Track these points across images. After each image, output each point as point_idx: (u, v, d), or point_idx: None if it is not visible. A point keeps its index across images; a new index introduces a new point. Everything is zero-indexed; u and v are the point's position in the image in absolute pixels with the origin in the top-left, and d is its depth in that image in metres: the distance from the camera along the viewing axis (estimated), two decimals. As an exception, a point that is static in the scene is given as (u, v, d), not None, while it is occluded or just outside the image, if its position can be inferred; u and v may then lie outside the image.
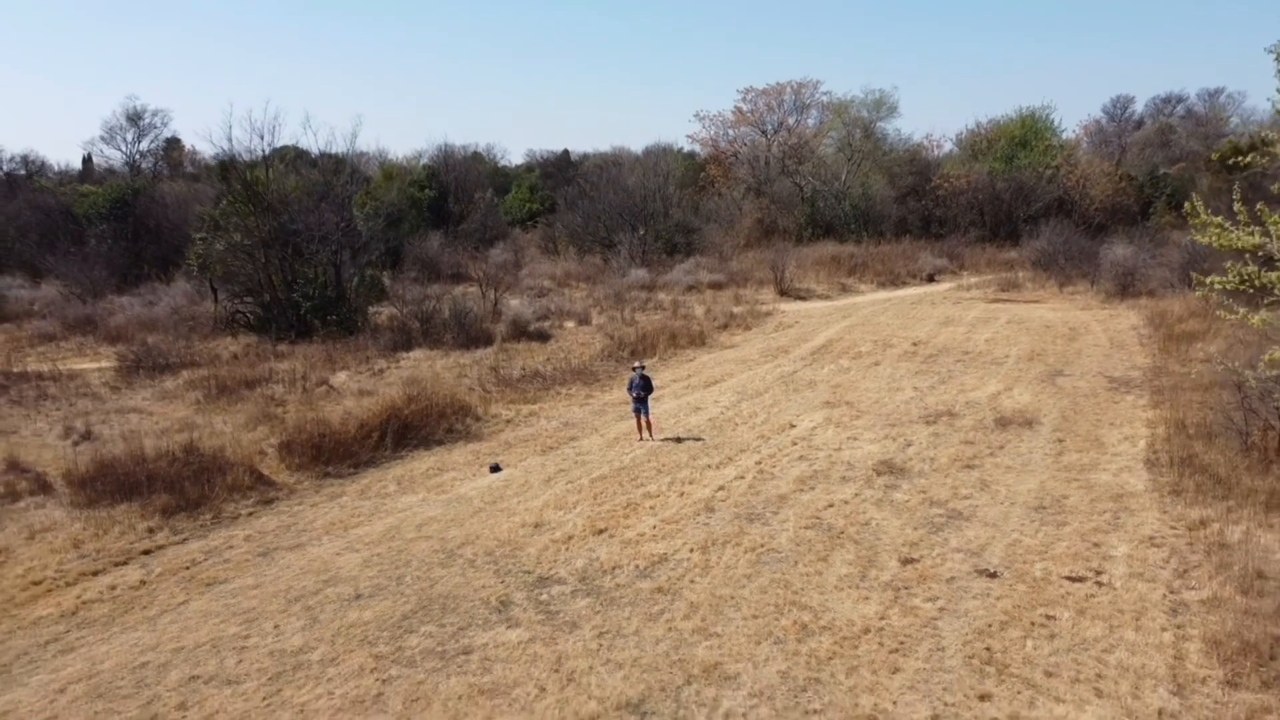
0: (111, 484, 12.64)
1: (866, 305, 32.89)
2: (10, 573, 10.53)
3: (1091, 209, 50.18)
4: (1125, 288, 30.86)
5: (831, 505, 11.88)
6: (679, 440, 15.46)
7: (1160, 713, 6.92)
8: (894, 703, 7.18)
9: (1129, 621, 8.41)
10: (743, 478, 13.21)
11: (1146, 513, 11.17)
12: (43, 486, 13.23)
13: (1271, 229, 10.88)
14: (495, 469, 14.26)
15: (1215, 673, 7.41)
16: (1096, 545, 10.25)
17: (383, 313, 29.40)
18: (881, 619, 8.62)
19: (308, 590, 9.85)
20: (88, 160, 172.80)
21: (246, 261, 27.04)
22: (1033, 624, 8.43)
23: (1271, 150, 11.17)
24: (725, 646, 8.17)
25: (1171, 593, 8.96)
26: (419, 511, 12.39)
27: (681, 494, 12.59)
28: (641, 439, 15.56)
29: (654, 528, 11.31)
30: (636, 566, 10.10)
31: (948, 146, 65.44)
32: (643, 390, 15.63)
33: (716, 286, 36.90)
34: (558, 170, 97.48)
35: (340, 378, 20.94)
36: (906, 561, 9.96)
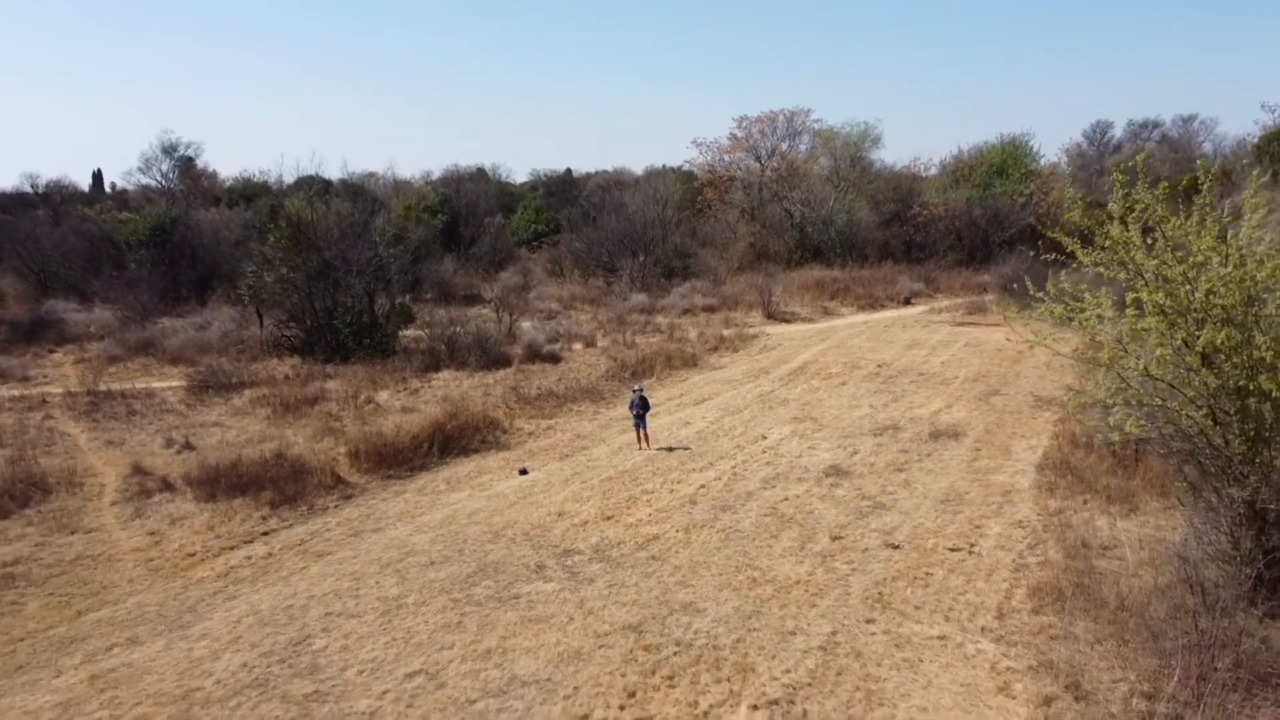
0: (225, 483, 16.17)
1: (845, 328, 36.44)
2: (167, 549, 14.06)
3: (1063, 234, 53.73)
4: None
5: (786, 499, 15.40)
6: (670, 449, 18.98)
7: (982, 629, 10.43)
8: (808, 624, 10.69)
9: (983, 576, 11.93)
10: (720, 479, 16.74)
11: (1023, 504, 14.70)
12: (167, 485, 16.75)
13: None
14: (523, 472, 17.78)
15: (1027, 605, 10.93)
16: (978, 527, 13.77)
17: (409, 335, 32.95)
18: (810, 575, 12.13)
19: (393, 559, 13.37)
20: (98, 176, 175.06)
21: (293, 292, 30.59)
22: (915, 578, 11.94)
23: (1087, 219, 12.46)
24: (697, 592, 11.69)
25: (1019, 558, 12.48)
26: (467, 504, 15.91)
27: (671, 491, 16.12)
28: (640, 448, 19.08)
29: (649, 515, 14.83)
30: (636, 542, 13.62)
31: (934, 170, 69.37)
32: (641, 408, 19.19)
33: (710, 309, 40.48)
34: (561, 189, 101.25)
35: (383, 396, 24.46)
36: (835, 538, 13.48)
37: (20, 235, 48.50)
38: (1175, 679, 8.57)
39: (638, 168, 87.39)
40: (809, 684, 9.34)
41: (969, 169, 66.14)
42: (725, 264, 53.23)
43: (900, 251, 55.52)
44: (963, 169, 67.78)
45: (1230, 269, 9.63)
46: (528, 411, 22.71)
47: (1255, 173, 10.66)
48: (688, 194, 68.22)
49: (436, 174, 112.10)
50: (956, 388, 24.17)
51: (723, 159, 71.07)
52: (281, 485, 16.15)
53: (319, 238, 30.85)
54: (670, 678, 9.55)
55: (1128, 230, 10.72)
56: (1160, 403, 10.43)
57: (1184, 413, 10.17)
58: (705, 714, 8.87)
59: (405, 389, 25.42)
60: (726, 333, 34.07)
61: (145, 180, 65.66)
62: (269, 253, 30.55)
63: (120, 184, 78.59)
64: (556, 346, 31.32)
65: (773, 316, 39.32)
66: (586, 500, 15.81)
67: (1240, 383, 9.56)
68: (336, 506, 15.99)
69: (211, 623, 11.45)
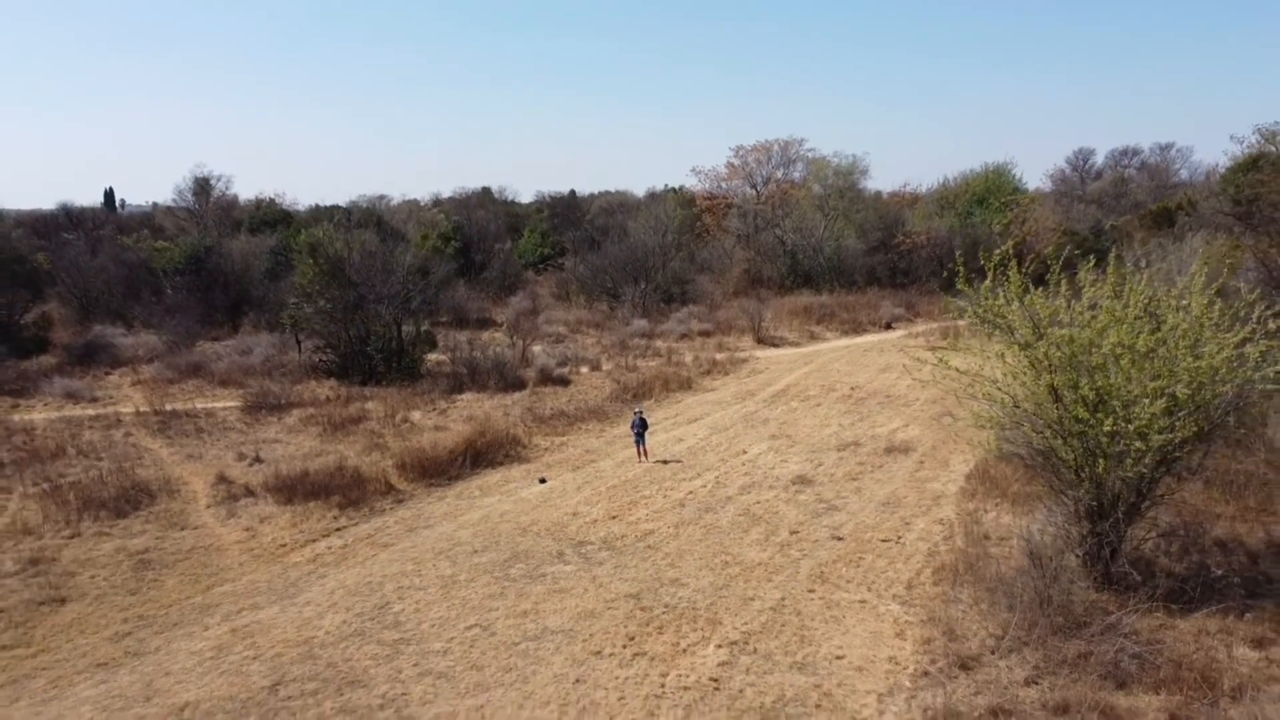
0: (299, 490, 19.74)
1: (827, 352, 40.03)
2: (263, 540, 17.63)
3: (1037, 261, 57.49)
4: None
5: (758, 502, 18.95)
6: (665, 462, 22.54)
7: (893, 596, 13.97)
8: (764, 593, 14.23)
9: (902, 560, 15.48)
10: (705, 486, 20.30)
11: (948, 506, 18.25)
12: (249, 492, 20.32)
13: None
14: (543, 480, 21.34)
15: (929, 580, 14.47)
16: (907, 523, 17.32)
17: (432, 359, 36.51)
18: (770, 559, 15.68)
19: (444, 548, 16.92)
20: (109, 194, 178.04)
21: (330, 321, 34.23)
22: (851, 562, 15.49)
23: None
24: (682, 571, 15.24)
25: (933, 546, 16.02)
26: (498, 507, 19.47)
27: (665, 496, 19.68)
28: (640, 461, 22.63)
29: (646, 515, 18.39)
30: (635, 535, 17.17)
31: (925, 188, 73.44)
32: (641, 427, 22.78)
33: (705, 334, 44.08)
34: (566, 211, 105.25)
35: (416, 415, 28.04)
36: (793, 532, 17.03)
37: (65, 263, 52.16)
38: (1015, 625, 12.11)
39: (640, 187, 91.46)
40: (760, 631, 12.89)
41: (953, 197, 70.05)
42: (721, 289, 56.90)
43: (886, 277, 59.16)
44: (948, 197, 71.71)
45: (1064, 331, 13.20)
46: (543, 430, 26.27)
47: (1089, 261, 14.21)
48: (687, 220, 72.00)
49: (445, 193, 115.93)
50: (916, 409, 27.71)
51: (720, 185, 75.12)
52: (346, 491, 19.73)
53: (353, 272, 34.50)
54: (660, 628, 13.11)
55: (1001, 299, 14.23)
56: (1025, 426, 14.00)
57: (1040, 435, 13.75)
58: (684, 651, 12.42)
59: (434, 409, 29.00)
60: (719, 357, 37.64)
61: (159, 199, 69.33)
62: (308, 286, 34.19)
63: (129, 200, 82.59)
64: (566, 370, 34.89)
65: (762, 341, 42.90)
66: (595, 503, 19.36)
67: (1075, 413, 13.11)
68: (391, 509, 19.55)
69: (311, 594, 15.01)
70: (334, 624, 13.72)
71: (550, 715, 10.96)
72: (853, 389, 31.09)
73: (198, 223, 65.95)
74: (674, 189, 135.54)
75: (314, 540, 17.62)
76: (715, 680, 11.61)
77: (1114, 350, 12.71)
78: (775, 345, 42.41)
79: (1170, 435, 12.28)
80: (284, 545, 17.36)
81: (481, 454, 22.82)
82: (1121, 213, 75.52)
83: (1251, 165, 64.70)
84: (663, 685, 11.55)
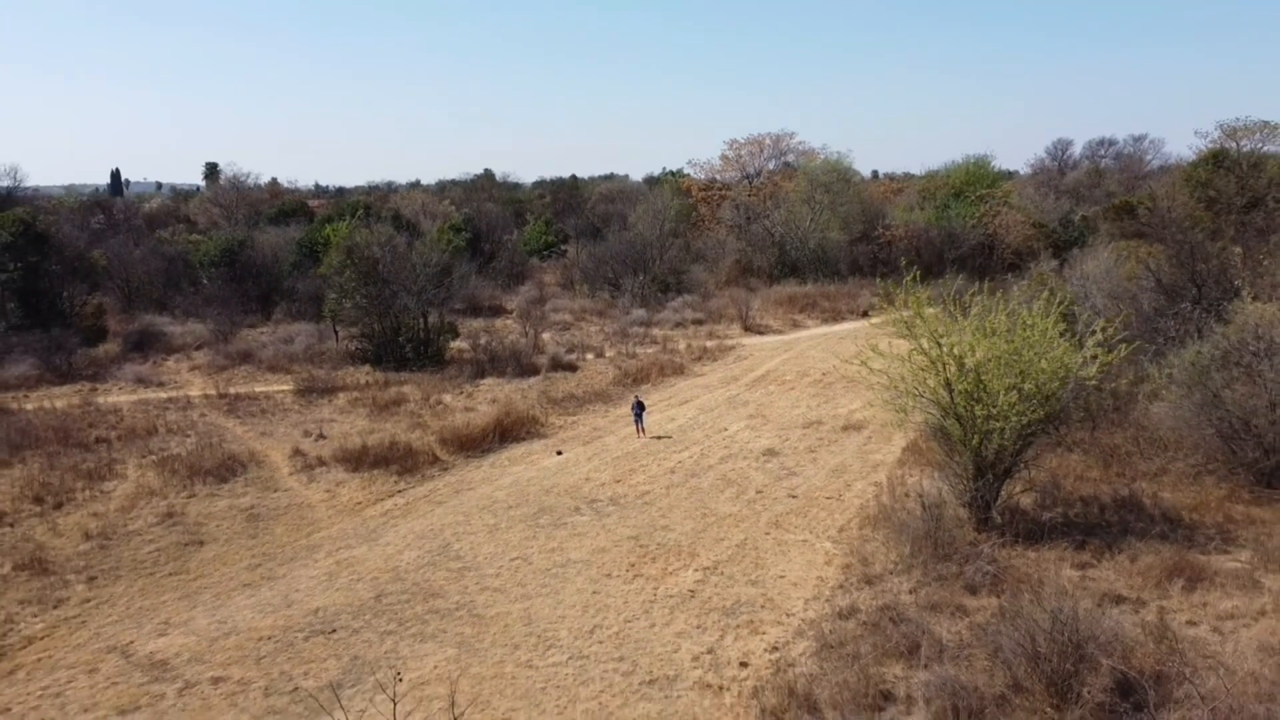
0: (363, 460, 24.43)
1: (806, 340, 44.68)
2: (342, 499, 22.36)
3: (1006, 252, 62.18)
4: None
5: (734, 470, 23.69)
6: (659, 438, 27.23)
7: (828, 537, 18.73)
8: (732, 535, 18.98)
9: (839, 510, 20.23)
10: (691, 457, 25.03)
11: (883, 472, 22.98)
12: (322, 462, 25.02)
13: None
14: (559, 453, 26.04)
15: (856, 525, 19.22)
16: (849, 485, 22.07)
17: (454, 347, 41.07)
18: (738, 512, 20.43)
19: (486, 505, 21.65)
20: (116, 175, 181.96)
21: (365, 314, 38.83)
22: (800, 514, 20.24)
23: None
24: (671, 520, 20.00)
25: (865, 502, 20.77)
26: (525, 474, 24.20)
27: (659, 464, 24.40)
28: (639, 437, 27.30)
29: (644, 480, 23.12)
30: (635, 495, 21.92)
31: (918, 169, 77.79)
32: (639, 409, 27.48)
33: (698, 323, 48.67)
34: (567, 196, 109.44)
35: (447, 399, 32.72)
36: (758, 492, 21.77)
37: (111, 256, 56.56)
38: (908, 555, 16.87)
39: (638, 171, 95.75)
40: (726, 560, 17.67)
41: (933, 190, 74.49)
42: (714, 278, 61.41)
43: (868, 267, 63.66)
44: (928, 189, 76.15)
45: (952, 339, 17.84)
46: (557, 410, 30.97)
47: (977, 292, 18.79)
48: (683, 210, 76.31)
49: (448, 175, 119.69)
50: (874, 394, 32.32)
51: (715, 179, 79.49)
52: (401, 461, 24.44)
53: (385, 271, 39.04)
54: (653, 559, 17.88)
55: (910, 312, 18.85)
56: (928, 408, 18.69)
57: (936, 416, 18.43)
58: (670, 573, 17.19)
59: (462, 393, 33.67)
60: (709, 345, 42.27)
61: (162, 178, 73.36)
62: (345, 284, 38.75)
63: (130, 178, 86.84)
64: (573, 357, 39.53)
65: (749, 329, 47.51)
66: (603, 471, 24.09)
67: (959, 401, 17.77)
68: (439, 475, 24.28)
69: (389, 537, 19.76)
70: (411, 558, 18.48)
71: (576, 613, 15.74)
72: (824, 374, 35.75)
73: (228, 217, 70.33)
74: (672, 173, 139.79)
75: (382, 499, 22.37)
76: (692, 591, 16.40)
77: (983, 358, 17.38)
78: (761, 333, 47.03)
79: (1023, 418, 16.99)
80: (359, 503, 22.11)
81: (508, 431, 27.51)
82: (1095, 202, 79.88)
83: (1211, 160, 69.26)
84: (655, 595, 16.33)
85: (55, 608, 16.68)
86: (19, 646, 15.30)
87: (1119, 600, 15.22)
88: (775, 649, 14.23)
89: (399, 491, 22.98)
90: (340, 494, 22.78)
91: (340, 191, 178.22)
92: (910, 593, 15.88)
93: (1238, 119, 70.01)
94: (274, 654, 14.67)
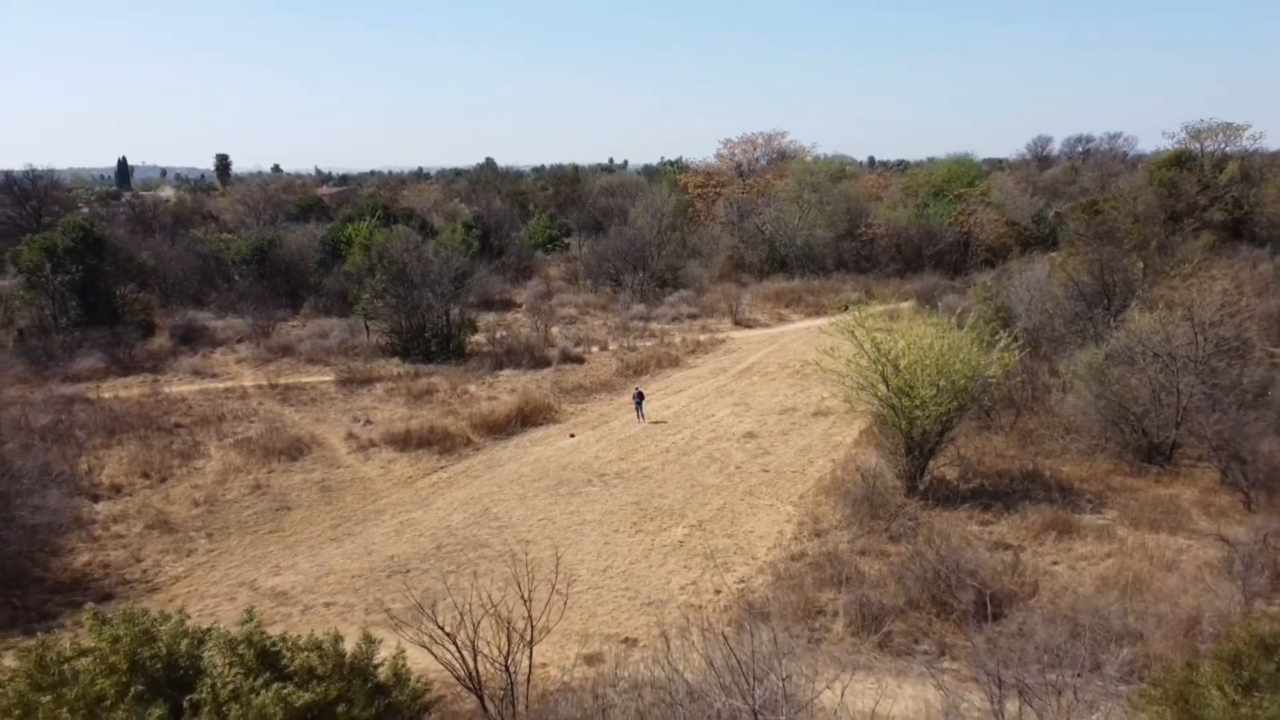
0: (408, 442, 29.19)
1: (790, 333, 49.36)
2: (394, 474, 27.14)
3: (980, 249, 66.83)
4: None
5: (718, 450, 28.47)
6: (656, 423, 32.00)
7: (790, 502, 23.54)
8: (715, 501, 23.81)
9: (801, 481, 25.04)
10: (683, 439, 29.81)
11: (841, 451, 27.77)
12: (373, 444, 29.77)
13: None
14: (572, 436, 30.81)
15: (813, 493, 24.03)
16: (812, 462, 26.88)
17: (472, 340, 45.74)
18: (720, 484, 25.24)
19: (514, 478, 26.43)
20: (123, 163, 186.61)
21: (394, 312, 43.52)
22: (770, 485, 25.04)
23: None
24: (665, 490, 24.82)
25: (823, 475, 25.55)
26: (544, 453, 28.98)
27: (655, 445, 29.18)
28: (639, 423, 32.06)
29: (644, 458, 27.91)
30: (636, 470, 26.71)
31: (911, 156, 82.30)
32: (639, 398, 32.25)
33: (692, 317, 53.31)
34: (569, 189, 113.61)
35: (472, 388, 37.45)
36: (737, 468, 26.57)
37: (152, 253, 61.04)
38: (849, 515, 21.68)
39: (636, 158, 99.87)
40: (709, 520, 22.49)
41: (916, 187, 79.01)
42: (709, 273, 65.98)
43: (852, 263, 68.29)
44: (911, 186, 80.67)
45: (888, 345, 22.56)
46: (568, 399, 35.72)
47: (910, 304, 23.53)
48: (681, 205, 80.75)
49: (451, 162, 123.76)
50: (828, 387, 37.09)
51: (710, 178, 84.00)
52: (440, 443, 29.21)
53: (413, 274, 43.69)
54: (651, 519, 22.71)
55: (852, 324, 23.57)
56: (869, 399, 23.45)
57: (875, 405, 23.20)
58: (664, 530, 22.01)
59: (484, 384, 38.38)
60: (702, 339, 46.95)
61: (166, 163, 77.94)
62: (376, 286, 43.43)
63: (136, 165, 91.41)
64: (580, 350, 44.23)
65: (739, 323, 52.16)
66: (609, 450, 28.88)
67: (893, 394, 22.51)
68: (473, 454, 29.06)
69: (439, 504, 24.56)
70: (459, 519, 23.29)
71: (592, 557, 20.58)
72: (803, 365, 40.45)
73: (255, 215, 74.88)
74: (671, 162, 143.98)
75: (428, 474, 27.17)
76: (681, 542, 21.24)
77: (912, 361, 22.15)
78: (749, 327, 51.70)
79: (940, 408, 21.77)
80: (410, 477, 26.91)
81: (528, 417, 32.28)
82: (1071, 199, 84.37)
83: (1175, 160, 73.77)
84: (652, 545, 21.16)
85: (188, 555, 21.52)
86: (170, 583, 20.14)
87: (1005, 547, 20.06)
88: (742, 581, 19.08)
89: (441, 468, 27.76)
90: (393, 470, 27.57)
91: (345, 179, 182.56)
92: (848, 543, 20.69)
93: (1202, 121, 74.42)
94: (366, 587, 19.52)
